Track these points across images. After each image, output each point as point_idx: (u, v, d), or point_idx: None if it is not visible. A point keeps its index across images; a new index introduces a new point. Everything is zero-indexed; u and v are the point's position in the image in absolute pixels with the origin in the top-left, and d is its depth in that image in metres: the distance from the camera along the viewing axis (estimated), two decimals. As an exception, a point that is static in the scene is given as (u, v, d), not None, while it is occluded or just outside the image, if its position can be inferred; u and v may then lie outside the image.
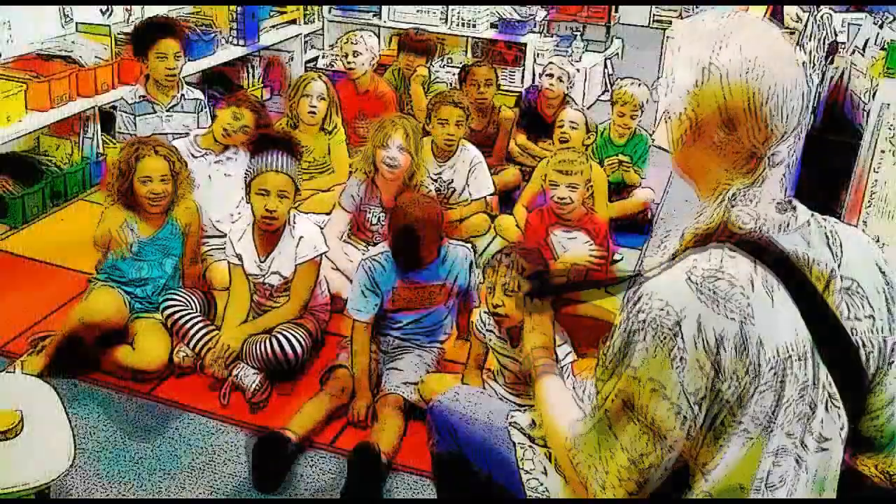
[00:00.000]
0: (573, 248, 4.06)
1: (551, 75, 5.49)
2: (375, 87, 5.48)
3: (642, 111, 5.08)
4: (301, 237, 3.57)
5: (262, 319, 3.59)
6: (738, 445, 1.50)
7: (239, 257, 3.60)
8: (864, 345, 1.60)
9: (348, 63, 5.38)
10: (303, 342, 3.50)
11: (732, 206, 1.56)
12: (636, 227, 4.96)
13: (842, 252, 1.62)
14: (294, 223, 3.59)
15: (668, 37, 1.69)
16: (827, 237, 1.62)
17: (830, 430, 1.58)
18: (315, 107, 4.67)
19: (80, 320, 3.45)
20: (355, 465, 2.97)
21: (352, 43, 5.37)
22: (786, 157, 1.60)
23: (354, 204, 4.20)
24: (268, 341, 3.47)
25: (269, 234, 3.57)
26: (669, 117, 1.64)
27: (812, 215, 1.62)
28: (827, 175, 3.94)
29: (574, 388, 2.49)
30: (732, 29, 1.57)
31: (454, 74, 6.12)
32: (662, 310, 1.50)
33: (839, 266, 1.60)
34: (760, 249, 1.54)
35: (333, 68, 6.90)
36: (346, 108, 5.21)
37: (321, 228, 3.84)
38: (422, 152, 4.13)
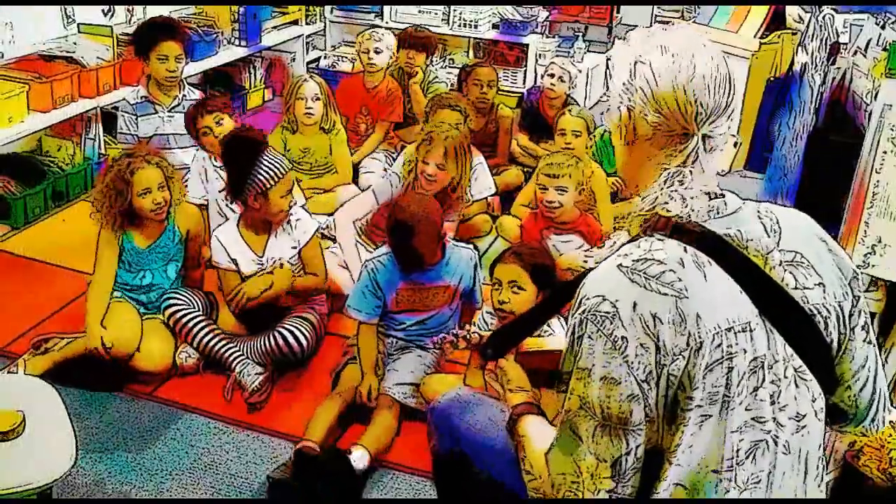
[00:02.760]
0: (567, 252, 4.05)
1: (553, 75, 5.48)
2: (385, 85, 5.48)
3: None
4: (297, 220, 3.67)
5: (298, 281, 3.66)
6: (697, 425, 1.53)
7: (235, 262, 3.61)
8: (819, 311, 1.64)
9: (369, 59, 5.37)
10: (308, 335, 3.55)
11: (661, 189, 1.62)
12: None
13: (779, 227, 1.68)
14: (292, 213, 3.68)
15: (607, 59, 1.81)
16: (760, 217, 1.68)
17: (804, 406, 1.60)
18: (311, 108, 4.68)
19: (109, 348, 3.41)
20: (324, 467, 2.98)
21: (374, 40, 5.36)
22: (721, 145, 1.65)
23: (387, 198, 4.21)
24: (274, 335, 3.52)
25: (260, 225, 3.64)
26: (611, 121, 1.74)
27: (744, 202, 1.69)
28: (828, 176, 3.94)
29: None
30: (655, 33, 1.70)
31: (455, 75, 6.11)
32: (598, 298, 1.57)
33: (778, 242, 1.65)
34: (688, 233, 1.60)
35: (335, 69, 6.90)
36: (351, 104, 5.21)
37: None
38: (466, 165, 4.15)
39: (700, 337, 1.52)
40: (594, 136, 4.91)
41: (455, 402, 2.50)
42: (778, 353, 1.58)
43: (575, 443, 1.61)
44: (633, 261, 1.58)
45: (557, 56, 5.93)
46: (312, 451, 3.02)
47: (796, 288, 1.63)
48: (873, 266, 3.04)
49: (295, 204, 3.68)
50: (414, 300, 3.47)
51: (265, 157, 3.51)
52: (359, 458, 3.02)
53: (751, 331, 1.56)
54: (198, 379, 3.53)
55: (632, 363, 1.52)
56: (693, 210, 1.60)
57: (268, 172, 3.48)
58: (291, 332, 3.53)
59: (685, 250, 1.58)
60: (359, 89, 5.44)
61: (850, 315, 1.69)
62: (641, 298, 1.53)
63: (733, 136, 1.67)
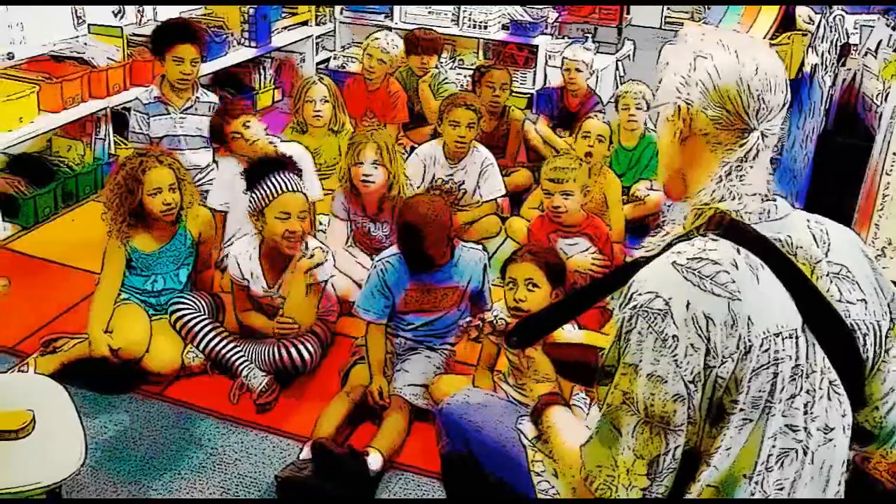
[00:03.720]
0: (575, 256, 4.05)
1: (569, 70, 5.50)
2: (387, 86, 5.49)
3: (648, 109, 5.07)
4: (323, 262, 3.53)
5: (288, 311, 3.50)
6: (737, 429, 1.52)
7: (246, 279, 3.60)
8: (858, 327, 1.63)
9: (369, 65, 5.42)
10: (312, 349, 3.54)
11: (719, 183, 1.61)
12: (649, 230, 4.94)
13: (828, 239, 1.67)
14: (308, 246, 3.53)
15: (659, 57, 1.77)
16: (810, 226, 1.67)
17: (834, 420, 1.60)
18: (319, 111, 4.69)
19: (117, 351, 3.41)
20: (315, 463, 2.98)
21: (381, 51, 5.40)
22: (772, 143, 1.64)
23: (346, 212, 4.19)
24: (277, 347, 3.50)
25: (278, 258, 3.54)
26: (661, 119, 1.72)
27: (793, 209, 1.67)
28: (838, 178, 3.92)
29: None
30: (712, 31, 1.69)
31: (465, 76, 6.11)
32: (651, 294, 1.54)
33: (827, 253, 1.64)
34: (742, 234, 1.58)
35: (345, 70, 6.90)
36: (355, 106, 5.22)
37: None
38: (397, 162, 4.07)
39: (750, 340, 1.51)
40: (612, 145, 4.86)
41: (464, 403, 2.50)
42: (816, 363, 1.57)
43: (614, 437, 1.59)
44: (688, 259, 1.56)
45: (567, 48, 5.85)
46: (331, 445, 3.02)
47: (840, 301, 1.62)
48: (884, 269, 3.03)
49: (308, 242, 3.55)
50: (422, 301, 3.47)
51: (271, 177, 3.46)
52: (373, 462, 3.03)
53: (796, 338, 1.55)
54: (206, 379, 3.53)
55: (680, 363, 1.51)
56: (747, 211, 1.59)
57: (266, 189, 3.44)
58: (295, 346, 3.50)
59: (738, 252, 1.56)
60: (361, 92, 5.46)
61: (887, 336, 1.68)
62: (696, 298, 1.52)
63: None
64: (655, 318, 1.53)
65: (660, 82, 1.70)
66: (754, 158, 1.62)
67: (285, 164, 3.54)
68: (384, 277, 3.41)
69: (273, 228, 3.44)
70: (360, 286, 3.76)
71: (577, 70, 5.50)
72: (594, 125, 4.65)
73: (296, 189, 3.46)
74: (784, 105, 1.63)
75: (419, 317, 3.49)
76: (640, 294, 1.57)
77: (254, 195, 3.47)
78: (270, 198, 3.43)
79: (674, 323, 1.51)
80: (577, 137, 4.72)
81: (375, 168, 3.97)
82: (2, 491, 2.19)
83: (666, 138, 1.71)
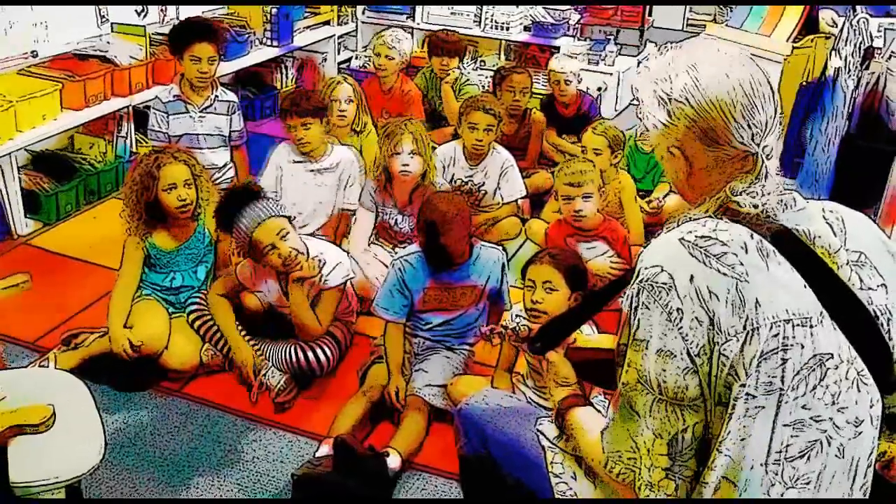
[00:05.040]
0: (593, 259, 4.04)
1: (557, 82, 5.50)
2: (401, 85, 5.50)
3: None
4: (338, 263, 3.54)
5: (300, 313, 3.48)
6: (750, 417, 1.51)
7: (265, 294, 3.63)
8: (882, 313, 1.62)
9: (379, 64, 5.44)
10: (330, 351, 3.53)
11: (735, 196, 1.60)
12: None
13: (845, 227, 1.66)
14: (312, 253, 3.50)
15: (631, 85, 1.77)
16: (826, 217, 1.67)
17: (863, 412, 1.59)
18: (344, 110, 4.69)
19: (138, 346, 3.42)
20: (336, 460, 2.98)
21: (388, 47, 5.41)
22: (777, 146, 1.64)
23: (374, 204, 4.22)
24: (294, 349, 3.50)
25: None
26: (662, 157, 1.72)
27: (808, 201, 1.67)
28: (861, 181, 3.91)
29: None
30: (675, 57, 1.66)
31: (486, 77, 6.11)
32: (656, 268, 1.55)
33: (845, 241, 1.64)
34: (758, 221, 1.59)
35: (366, 69, 6.91)
36: (372, 105, 5.23)
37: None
38: (429, 152, 4.13)
39: (757, 322, 1.50)
40: (618, 153, 4.78)
41: (482, 404, 2.49)
42: (843, 353, 1.56)
43: (632, 418, 1.60)
44: (697, 237, 1.56)
45: (553, 59, 5.83)
46: (354, 441, 3.02)
47: (862, 289, 1.61)
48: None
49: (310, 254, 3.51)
50: (441, 299, 3.47)
51: (248, 207, 3.40)
52: (391, 462, 3.03)
53: (811, 326, 1.53)
54: (225, 377, 3.54)
55: (686, 336, 1.51)
56: (766, 203, 1.60)
57: (248, 220, 3.37)
58: (312, 349, 3.50)
59: (751, 237, 1.56)
60: (377, 92, 5.47)
61: None
62: (699, 272, 1.52)
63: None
64: (660, 292, 1.54)
65: (639, 105, 1.71)
66: (765, 178, 1.62)
67: (256, 193, 3.50)
68: (402, 276, 3.42)
69: (272, 263, 3.41)
70: (376, 283, 3.78)
71: (567, 82, 5.49)
72: (587, 139, 4.65)
73: (271, 214, 3.39)
74: (776, 112, 1.62)
75: (438, 315, 3.49)
76: (645, 268, 1.58)
77: (236, 233, 3.43)
78: (251, 229, 3.37)
79: (678, 296, 1.52)
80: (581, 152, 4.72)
81: (412, 157, 4.01)
82: (22, 484, 2.20)
83: (673, 171, 1.72)
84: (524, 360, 3.16)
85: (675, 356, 1.52)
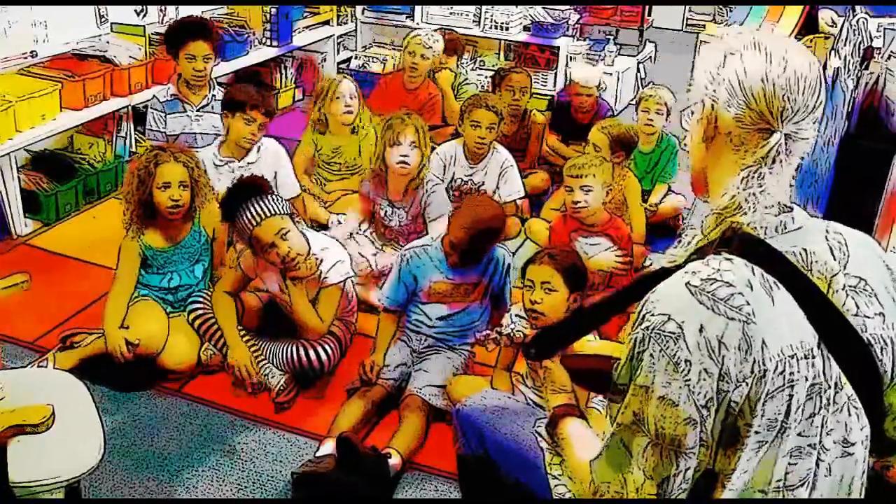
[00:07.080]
0: (598, 255, 4.04)
1: (579, 94, 5.47)
2: (427, 87, 5.50)
3: (668, 114, 5.05)
4: (337, 261, 3.54)
5: (301, 312, 3.49)
6: (754, 451, 1.50)
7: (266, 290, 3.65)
8: (875, 341, 1.60)
9: (413, 63, 5.47)
10: (330, 350, 3.54)
11: (739, 187, 1.58)
12: (671, 231, 4.94)
13: (847, 250, 1.63)
14: (314, 249, 3.50)
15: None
16: (828, 238, 1.63)
17: (855, 434, 1.58)
18: (350, 105, 4.69)
19: (135, 345, 3.43)
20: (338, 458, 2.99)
21: (424, 46, 5.43)
22: (801, 151, 1.60)
23: (368, 192, 4.29)
24: (295, 348, 3.50)
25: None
26: (691, 118, 1.68)
27: (810, 218, 1.63)
28: (861, 182, 3.90)
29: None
30: (750, 32, 1.64)
31: (486, 77, 6.11)
32: (663, 317, 1.51)
33: (845, 265, 1.61)
34: (756, 252, 1.55)
35: (366, 69, 6.91)
36: (391, 103, 5.22)
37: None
38: (428, 147, 4.19)
39: (764, 364, 1.48)
40: (622, 153, 4.77)
41: (481, 404, 2.50)
42: (832, 378, 1.55)
43: (624, 456, 1.57)
44: (702, 279, 1.52)
45: (578, 68, 5.81)
46: (356, 440, 3.03)
47: (857, 315, 1.59)
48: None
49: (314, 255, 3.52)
50: (445, 292, 3.50)
51: (252, 202, 3.41)
52: (393, 463, 3.04)
53: (812, 357, 1.52)
54: (224, 377, 3.54)
55: (693, 387, 1.48)
56: (763, 225, 1.56)
57: (250, 215, 3.38)
58: (314, 348, 3.50)
59: (753, 272, 1.53)
60: (399, 89, 5.46)
61: None
62: (709, 322, 1.48)
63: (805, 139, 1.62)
64: (668, 341, 1.50)
65: (693, 80, 1.68)
66: (775, 163, 1.58)
67: (262, 187, 3.51)
68: (409, 267, 3.47)
69: (271, 260, 3.42)
70: (355, 274, 3.80)
71: (588, 96, 5.49)
72: (591, 134, 4.68)
73: (273, 212, 3.39)
74: (815, 107, 1.58)
75: (440, 308, 3.52)
76: (652, 315, 1.54)
77: (238, 226, 3.44)
78: (253, 225, 3.38)
79: (686, 347, 1.48)
80: (586, 147, 4.73)
81: (413, 149, 4.06)
82: (22, 484, 2.20)
83: (695, 138, 1.68)
84: (522, 361, 3.17)
85: (679, 405, 1.49)
